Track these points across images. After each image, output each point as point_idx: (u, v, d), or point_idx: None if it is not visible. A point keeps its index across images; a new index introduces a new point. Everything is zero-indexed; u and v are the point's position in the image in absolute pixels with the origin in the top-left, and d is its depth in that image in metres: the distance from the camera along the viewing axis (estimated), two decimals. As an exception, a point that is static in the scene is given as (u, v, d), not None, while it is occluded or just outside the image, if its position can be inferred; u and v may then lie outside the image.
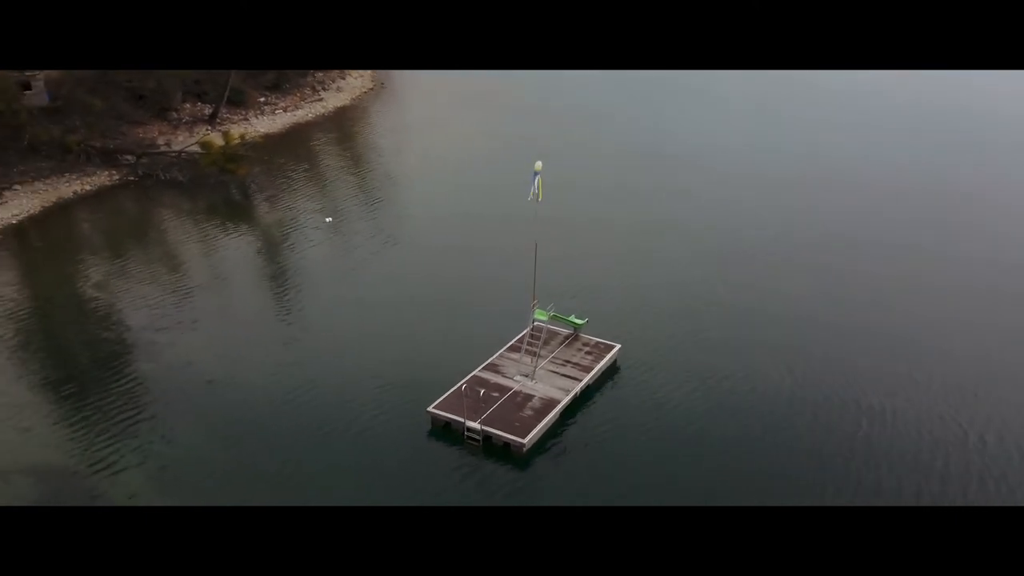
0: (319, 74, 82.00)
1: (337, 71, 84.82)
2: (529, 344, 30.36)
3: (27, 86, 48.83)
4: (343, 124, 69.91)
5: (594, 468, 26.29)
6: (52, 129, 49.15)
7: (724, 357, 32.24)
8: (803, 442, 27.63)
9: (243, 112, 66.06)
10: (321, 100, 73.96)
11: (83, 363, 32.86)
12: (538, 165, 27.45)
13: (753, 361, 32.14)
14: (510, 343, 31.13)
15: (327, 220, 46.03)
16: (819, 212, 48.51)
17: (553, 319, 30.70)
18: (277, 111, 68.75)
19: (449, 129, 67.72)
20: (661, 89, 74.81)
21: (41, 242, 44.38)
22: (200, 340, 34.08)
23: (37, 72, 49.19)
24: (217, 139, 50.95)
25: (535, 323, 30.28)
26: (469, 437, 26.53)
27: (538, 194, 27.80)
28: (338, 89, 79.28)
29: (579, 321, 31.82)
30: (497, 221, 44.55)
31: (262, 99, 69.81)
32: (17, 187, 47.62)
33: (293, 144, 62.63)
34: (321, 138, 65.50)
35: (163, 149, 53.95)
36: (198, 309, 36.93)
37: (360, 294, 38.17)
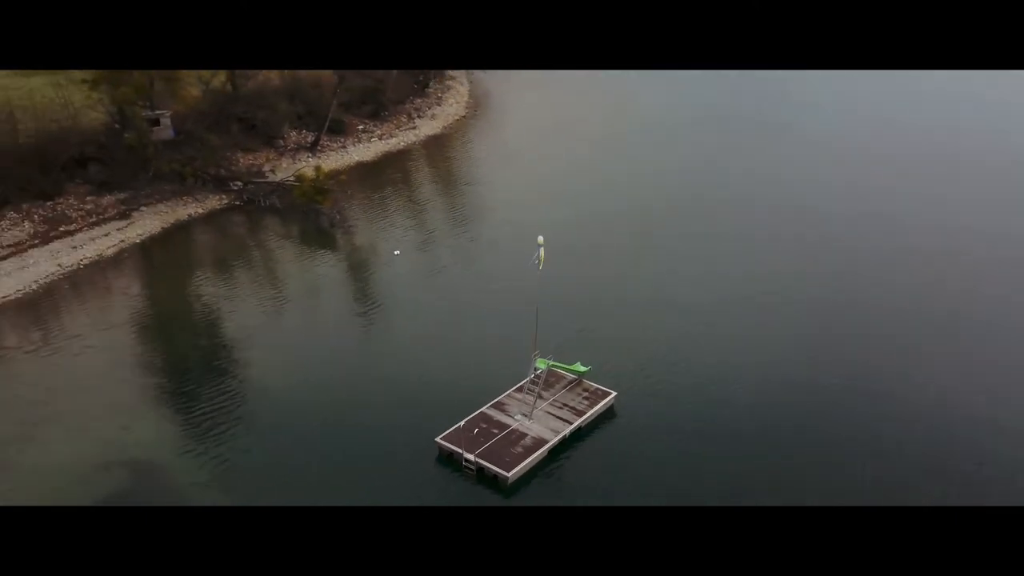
0: (417, 100, 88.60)
1: (434, 99, 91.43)
2: (529, 388, 35.11)
3: (156, 122, 57.38)
4: (432, 153, 75.93)
5: (568, 499, 30.80)
6: (174, 160, 57.44)
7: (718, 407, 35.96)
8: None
9: (342, 140, 73.33)
10: (415, 128, 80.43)
11: (183, 369, 39.79)
12: (540, 239, 32.20)
13: (751, 415, 35.66)
14: (518, 384, 35.95)
15: (395, 253, 52.09)
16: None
17: (553, 367, 35.37)
18: (373, 139, 75.64)
19: (531, 160, 72.82)
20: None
21: (160, 258, 52.49)
22: (277, 355, 40.73)
23: (166, 111, 57.72)
24: (310, 171, 57.73)
25: (536, 371, 35.06)
26: (466, 466, 31.57)
27: (540, 263, 32.58)
28: (432, 116, 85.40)
29: (582, 368, 36.30)
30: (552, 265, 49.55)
31: (360, 127, 77.04)
32: (143, 208, 56.12)
33: (382, 173, 69.11)
34: (408, 167, 71.68)
35: (265, 178, 61.48)
36: (279, 324, 43.75)
37: (404, 325, 43.68)
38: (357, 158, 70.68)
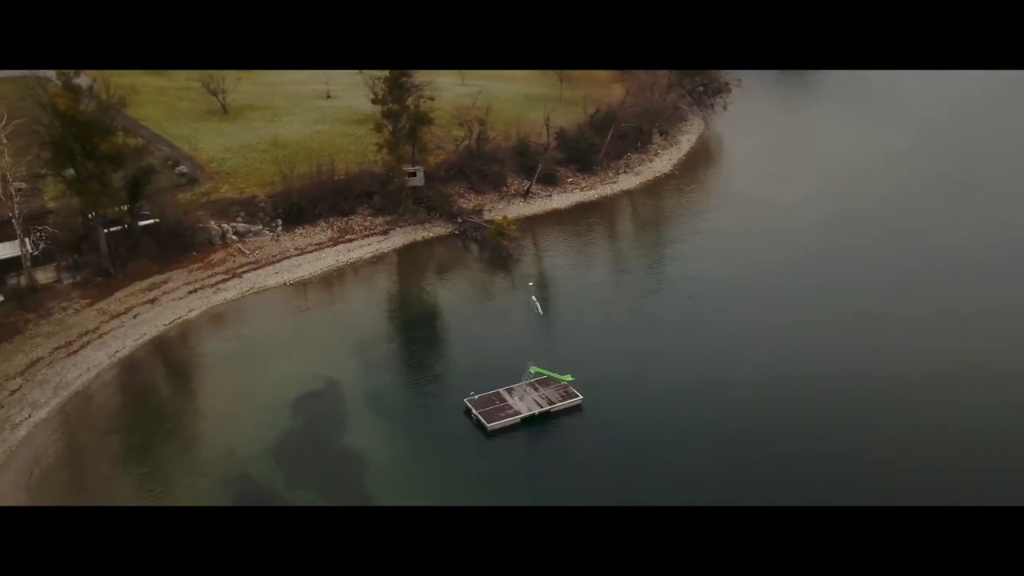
0: (634, 155, 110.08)
1: (651, 154, 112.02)
2: (527, 383, 58.20)
3: (413, 174, 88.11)
4: (616, 206, 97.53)
5: (517, 445, 53.71)
6: (419, 200, 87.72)
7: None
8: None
9: (551, 189, 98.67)
10: (614, 183, 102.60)
11: (416, 322, 68.94)
12: (530, 285, 55.18)
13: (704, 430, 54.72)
14: (522, 381, 59.10)
15: (529, 284, 76.46)
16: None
17: (537, 372, 57.68)
18: (575, 190, 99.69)
19: (693, 225, 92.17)
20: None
21: (399, 262, 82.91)
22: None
23: (420, 167, 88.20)
24: (499, 217, 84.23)
25: (530, 375, 57.96)
26: (474, 417, 55.99)
27: (539, 310, 55.64)
28: (636, 172, 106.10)
29: (568, 378, 58.20)
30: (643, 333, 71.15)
31: (570, 179, 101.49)
32: (397, 229, 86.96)
33: (567, 219, 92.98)
34: (589, 217, 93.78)
35: (478, 217, 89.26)
36: (445, 307, 71.31)
37: (486, 329, 68.22)
38: (555, 205, 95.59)
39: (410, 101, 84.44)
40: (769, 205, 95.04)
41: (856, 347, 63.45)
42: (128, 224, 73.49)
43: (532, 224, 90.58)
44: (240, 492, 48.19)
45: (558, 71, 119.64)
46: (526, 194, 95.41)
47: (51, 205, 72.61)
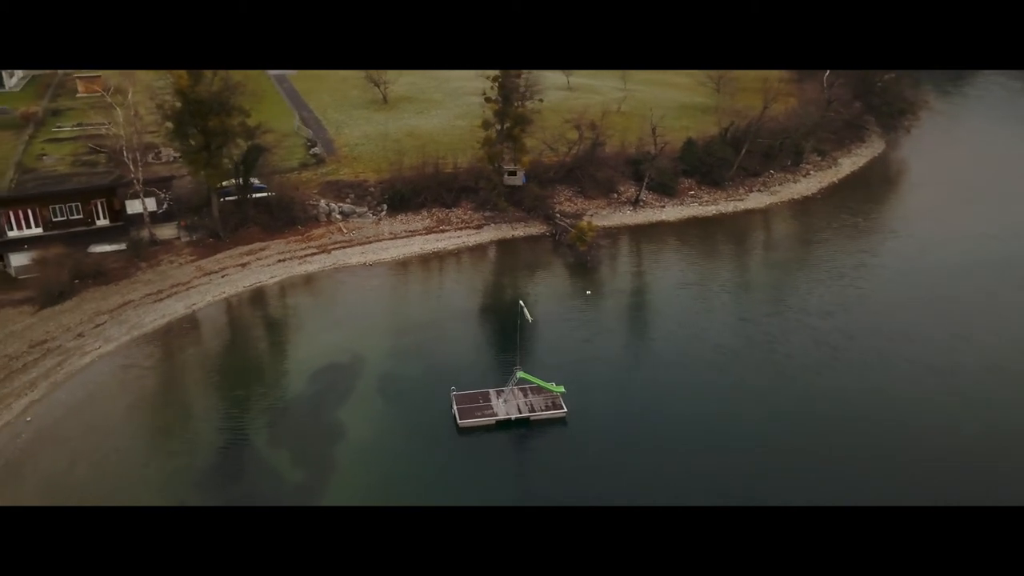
0: (777, 173, 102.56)
1: (800, 174, 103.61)
2: (512, 387, 57.35)
3: (513, 173, 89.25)
4: (728, 227, 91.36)
5: (480, 451, 53.49)
6: (511, 199, 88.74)
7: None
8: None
9: (666, 200, 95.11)
10: (741, 201, 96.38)
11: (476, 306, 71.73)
12: (521, 303, 54.42)
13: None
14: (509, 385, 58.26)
15: (587, 293, 74.94)
16: None
17: (523, 377, 56.28)
18: (693, 203, 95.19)
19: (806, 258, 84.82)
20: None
21: (479, 256, 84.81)
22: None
23: (521, 168, 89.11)
24: (584, 224, 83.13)
25: (518, 379, 56.93)
26: (453, 412, 56.47)
27: (529, 317, 54.85)
28: (772, 192, 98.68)
29: (551, 387, 56.59)
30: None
31: (691, 192, 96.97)
32: (491, 225, 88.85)
33: (669, 233, 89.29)
34: (691, 234, 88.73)
35: (566, 221, 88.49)
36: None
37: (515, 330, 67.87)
38: (664, 217, 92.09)
39: (518, 101, 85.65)
40: (909, 238, 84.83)
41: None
42: (241, 196, 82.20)
43: (631, 233, 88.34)
44: (211, 445, 53.20)
45: (716, 79, 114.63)
46: (635, 203, 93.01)
47: (181, 172, 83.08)
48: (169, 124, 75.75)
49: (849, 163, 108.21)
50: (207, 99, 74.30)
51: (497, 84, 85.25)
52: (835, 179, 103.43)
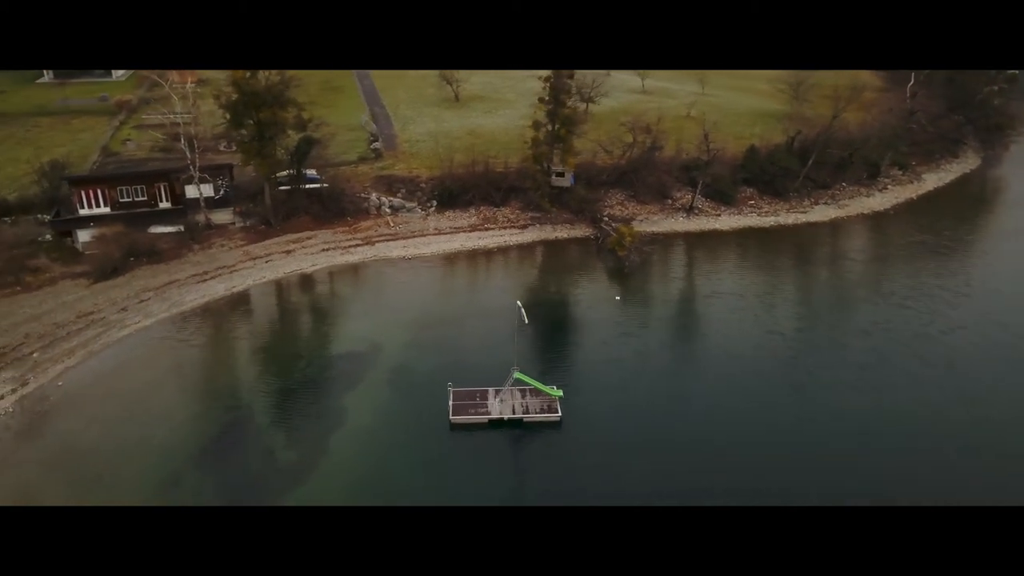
0: (849, 186, 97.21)
1: (875, 188, 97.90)
2: (511, 387, 56.79)
3: (561, 175, 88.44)
4: (788, 238, 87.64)
5: (478, 450, 53.33)
6: (556, 200, 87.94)
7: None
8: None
9: (723, 208, 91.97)
10: (804, 213, 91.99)
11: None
12: (519, 303, 53.90)
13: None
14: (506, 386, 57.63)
15: (616, 298, 73.43)
16: None
17: (519, 378, 55.53)
18: (751, 214, 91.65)
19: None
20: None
21: (512, 256, 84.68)
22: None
23: (569, 169, 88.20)
24: (626, 230, 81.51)
25: (514, 379, 56.26)
26: (449, 408, 56.62)
27: (524, 319, 54.33)
28: (840, 206, 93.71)
29: (549, 389, 55.74)
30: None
31: (752, 201, 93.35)
32: (535, 226, 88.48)
33: (720, 243, 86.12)
34: (747, 246, 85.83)
35: (608, 225, 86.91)
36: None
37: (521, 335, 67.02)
38: (718, 226, 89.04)
39: (569, 102, 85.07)
40: (981, 260, 78.85)
41: None
42: (293, 185, 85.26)
43: (681, 241, 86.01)
44: (218, 422, 55.53)
45: (793, 85, 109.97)
46: (689, 210, 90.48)
47: (238, 160, 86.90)
48: (226, 114, 79.28)
49: (935, 179, 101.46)
50: (261, 91, 77.39)
51: (548, 84, 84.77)
52: (914, 195, 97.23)
